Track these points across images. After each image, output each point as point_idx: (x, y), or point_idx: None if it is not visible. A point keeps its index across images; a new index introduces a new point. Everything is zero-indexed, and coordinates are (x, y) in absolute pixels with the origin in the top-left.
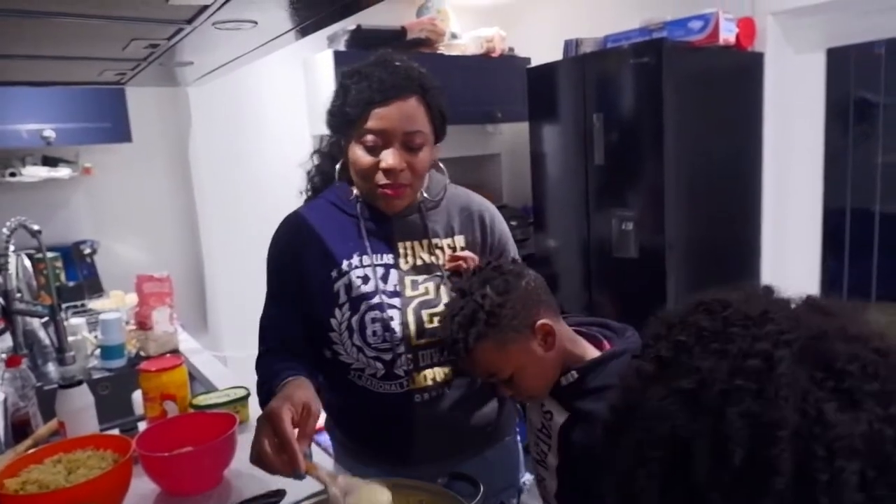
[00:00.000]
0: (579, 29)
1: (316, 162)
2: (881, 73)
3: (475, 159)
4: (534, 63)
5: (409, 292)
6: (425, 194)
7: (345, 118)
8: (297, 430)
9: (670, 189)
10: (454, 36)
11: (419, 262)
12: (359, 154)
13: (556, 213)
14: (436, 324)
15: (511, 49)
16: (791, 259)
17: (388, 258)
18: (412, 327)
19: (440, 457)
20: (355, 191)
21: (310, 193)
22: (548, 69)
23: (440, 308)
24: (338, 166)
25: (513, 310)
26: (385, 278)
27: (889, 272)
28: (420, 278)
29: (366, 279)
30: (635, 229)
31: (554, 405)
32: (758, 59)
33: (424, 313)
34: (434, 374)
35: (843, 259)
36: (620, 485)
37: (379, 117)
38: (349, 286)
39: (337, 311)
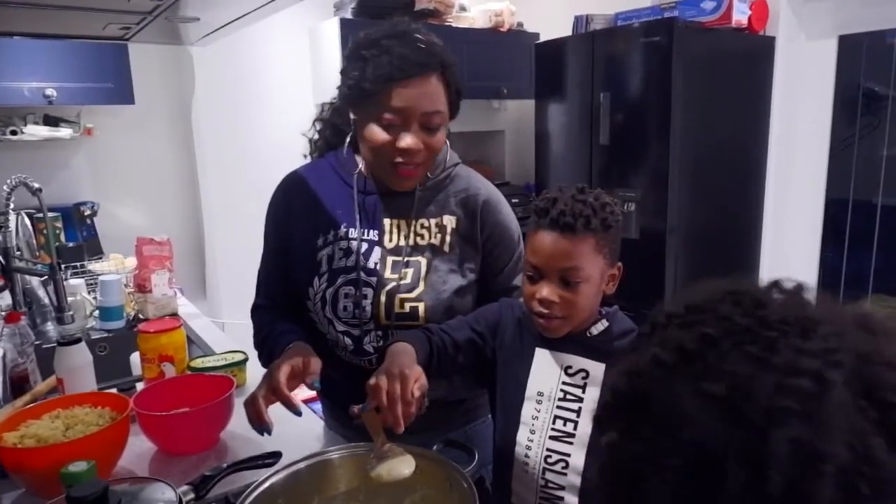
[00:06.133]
0: (590, 5)
1: (318, 128)
2: (892, 65)
3: (479, 135)
4: (542, 39)
5: (387, 274)
6: (427, 172)
7: (362, 93)
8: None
9: (674, 171)
10: (463, 8)
11: (402, 243)
12: (375, 131)
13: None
14: (407, 309)
15: (520, 24)
16: (790, 247)
17: (373, 234)
18: (382, 310)
19: (419, 430)
20: (360, 163)
21: (314, 159)
22: (556, 46)
23: (414, 294)
24: (348, 138)
25: (616, 236)
26: (367, 255)
27: (887, 264)
28: (401, 260)
29: (348, 252)
30: (637, 210)
31: (586, 362)
32: (769, 42)
33: (398, 297)
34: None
35: (842, 249)
36: (624, 479)
37: (399, 96)
38: (331, 257)
39: (315, 280)
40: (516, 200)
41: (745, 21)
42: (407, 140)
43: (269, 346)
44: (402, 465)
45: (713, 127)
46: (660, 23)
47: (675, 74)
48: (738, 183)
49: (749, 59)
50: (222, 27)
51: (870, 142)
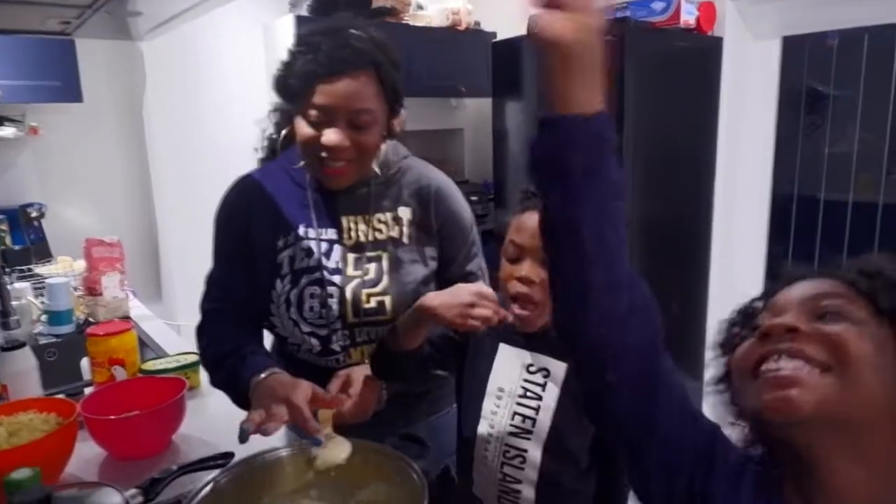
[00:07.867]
0: None
1: (274, 120)
2: (832, 65)
3: (438, 133)
4: (499, 37)
5: (350, 271)
6: (377, 169)
7: (288, 89)
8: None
9: (627, 169)
10: (420, 7)
11: (362, 239)
12: (301, 127)
13: (516, 189)
14: (373, 304)
15: (477, 23)
16: (740, 242)
17: (331, 233)
18: (349, 307)
19: (384, 422)
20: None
21: (266, 153)
22: (513, 44)
23: (379, 289)
24: (282, 133)
25: None
26: (328, 254)
27: (830, 257)
28: (363, 256)
29: (309, 252)
30: None
31: (548, 360)
32: (717, 43)
33: (363, 293)
34: (372, 350)
35: (788, 244)
36: None
37: (323, 93)
38: (293, 258)
39: (278, 283)
40: (475, 198)
41: (693, 22)
42: (330, 137)
43: (231, 364)
44: (339, 451)
45: (664, 125)
46: (612, 22)
47: (628, 73)
48: (689, 180)
49: (698, 58)
50: (168, 21)
51: (813, 140)
